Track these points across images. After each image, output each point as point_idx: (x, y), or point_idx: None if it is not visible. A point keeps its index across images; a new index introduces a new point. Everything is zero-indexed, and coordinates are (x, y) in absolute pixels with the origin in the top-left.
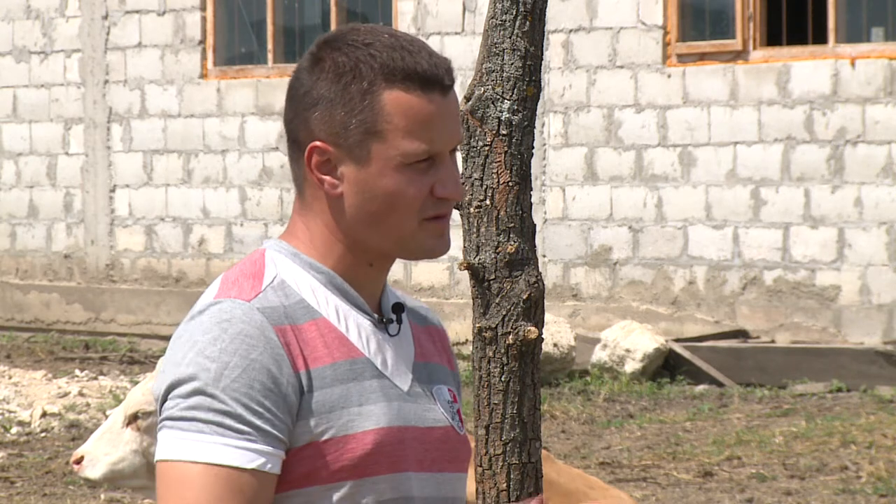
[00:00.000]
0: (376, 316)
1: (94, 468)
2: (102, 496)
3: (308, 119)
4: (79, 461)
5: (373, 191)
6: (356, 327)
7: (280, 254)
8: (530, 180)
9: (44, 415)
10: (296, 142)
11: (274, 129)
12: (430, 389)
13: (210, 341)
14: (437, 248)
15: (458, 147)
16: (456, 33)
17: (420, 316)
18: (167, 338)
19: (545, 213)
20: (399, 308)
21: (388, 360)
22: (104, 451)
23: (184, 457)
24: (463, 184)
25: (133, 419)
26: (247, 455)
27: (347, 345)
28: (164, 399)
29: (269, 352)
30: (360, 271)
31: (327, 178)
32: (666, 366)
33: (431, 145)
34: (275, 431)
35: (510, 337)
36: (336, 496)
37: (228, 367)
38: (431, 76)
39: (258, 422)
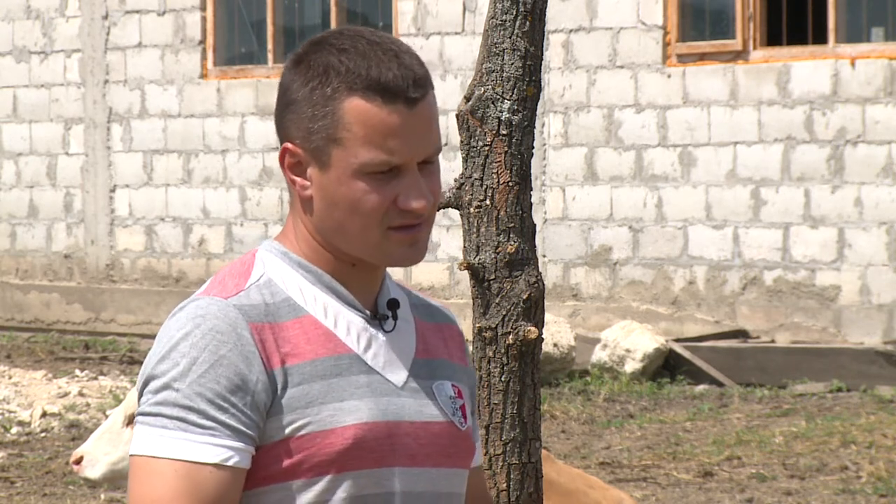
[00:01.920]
0: (368, 312)
1: (93, 468)
2: (102, 496)
3: (284, 119)
4: (78, 461)
5: (333, 197)
6: (346, 324)
7: (270, 254)
8: (530, 180)
9: (44, 415)
10: (280, 141)
11: (274, 129)
12: (430, 385)
13: (182, 337)
14: (406, 257)
15: (432, 158)
16: (456, 33)
17: (430, 312)
18: None
19: (545, 213)
20: (394, 304)
21: (381, 355)
22: (104, 450)
23: (148, 452)
24: (463, 184)
25: (133, 419)
26: (209, 450)
27: (334, 341)
28: (141, 393)
29: (240, 349)
30: (345, 271)
31: (298, 179)
32: (666, 366)
33: (391, 156)
34: (240, 427)
35: (510, 337)
36: (316, 489)
37: (197, 362)
38: (393, 87)
39: (223, 417)
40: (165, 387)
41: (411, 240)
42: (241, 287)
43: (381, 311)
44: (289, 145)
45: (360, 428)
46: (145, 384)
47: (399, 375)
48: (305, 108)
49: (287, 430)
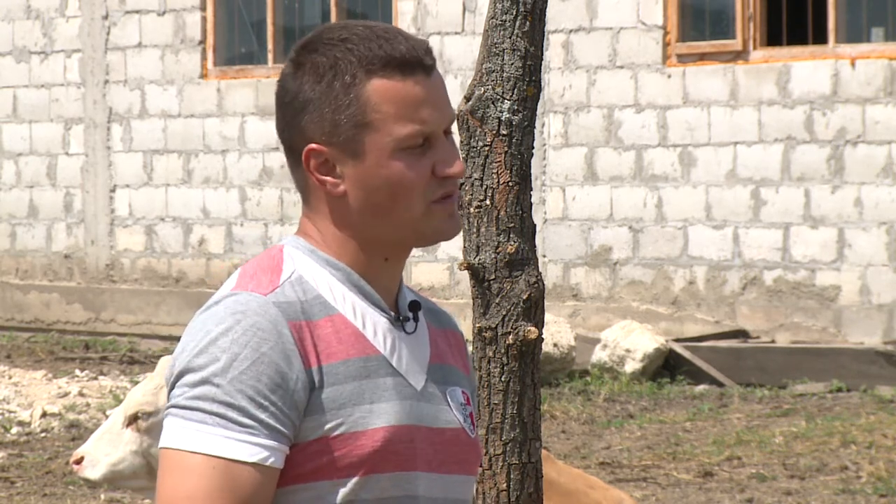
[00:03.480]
0: (392, 314)
1: (94, 469)
2: (102, 496)
3: (299, 124)
4: (79, 461)
5: (374, 182)
6: (372, 324)
7: (298, 250)
8: (530, 180)
9: (44, 415)
10: (292, 149)
11: (274, 129)
12: (444, 390)
13: (222, 332)
14: (449, 229)
15: (450, 128)
16: (456, 33)
17: (438, 318)
18: (167, 338)
19: (545, 213)
20: (416, 306)
21: (404, 358)
22: (104, 451)
23: (185, 446)
24: (463, 184)
25: (133, 420)
26: (248, 448)
27: (363, 341)
28: (173, 386)
29: (281, 346)
30: (375, 267)
31: (328, 178)
32: (666, 366)
33: (424, 126)
34: (279, 426)
35: (510, 337)
36: (343, 491)
37: (238, 358)
38: (411, 59)
39: (262, 415)
40: (204, 381)
41: (450, 211)
42: (276, 284)
43: (402, 313)
44: (313, 146)
45: (388, 430)
46: (179, 376)
47: (419, 379)
48: (326, 104)
49: (321, 431)
